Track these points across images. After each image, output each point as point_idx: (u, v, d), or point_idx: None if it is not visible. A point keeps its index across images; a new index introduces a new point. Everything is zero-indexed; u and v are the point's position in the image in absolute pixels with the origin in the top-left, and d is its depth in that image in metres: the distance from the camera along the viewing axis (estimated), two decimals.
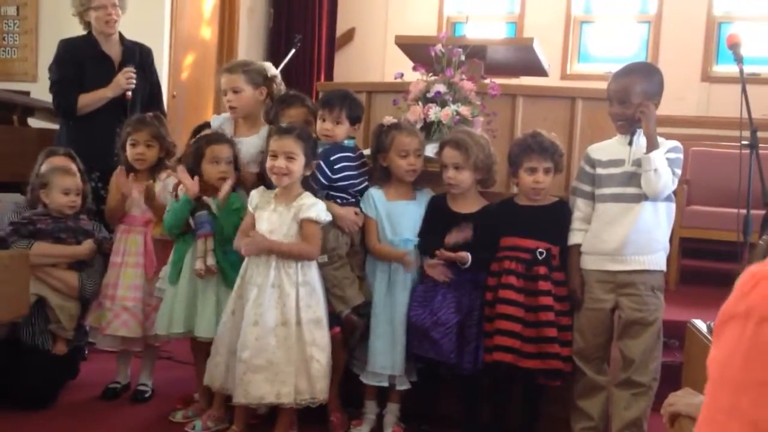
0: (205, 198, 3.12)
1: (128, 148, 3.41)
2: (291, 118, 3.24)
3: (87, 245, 3.32)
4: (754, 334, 0.73)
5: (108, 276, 3.38)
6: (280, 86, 3.48)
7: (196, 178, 3.10)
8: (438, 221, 3.02)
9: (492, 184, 3.10)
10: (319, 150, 3.05)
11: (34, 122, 5.07)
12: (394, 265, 3.06)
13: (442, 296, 2.93)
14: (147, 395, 3.41)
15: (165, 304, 3.17)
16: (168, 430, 3.07)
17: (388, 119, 3.17)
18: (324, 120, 3.13)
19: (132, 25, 4.59)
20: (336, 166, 3.07)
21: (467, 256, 2.90)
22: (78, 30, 4.16)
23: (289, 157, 2.84)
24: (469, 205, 3.04)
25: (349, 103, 3.15)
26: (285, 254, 2.83)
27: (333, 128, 3.11)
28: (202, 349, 3.16)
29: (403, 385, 3.06)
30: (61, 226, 3.29)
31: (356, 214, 3.07)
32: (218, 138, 3.19)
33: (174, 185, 3.21)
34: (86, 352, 3.79)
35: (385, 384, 3.07)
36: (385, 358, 3.02)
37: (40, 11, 6.23)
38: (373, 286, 3.09)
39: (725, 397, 0.76)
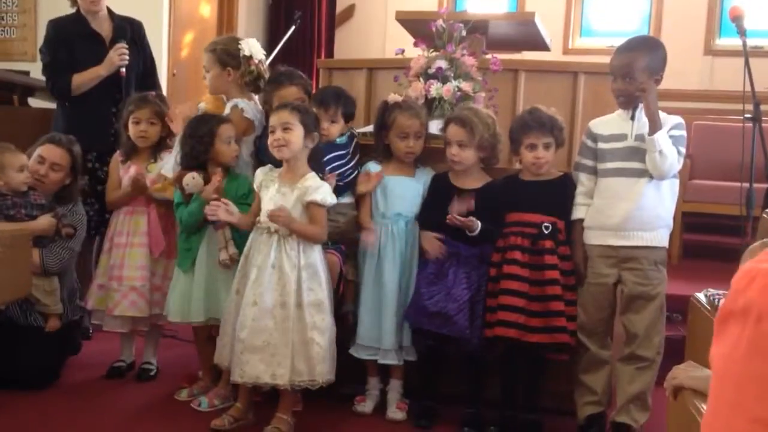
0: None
1: (131, 126, 3.40)
2: (282, 99, 3.18)
3: (44, 220, 3.23)
4: (753, 331, 0.74)
5: (113, 257, 3.38)
6: (258, 65, 3.38)
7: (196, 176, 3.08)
8: (441, 198, 3.01)
9: (495, 163, 3.10)
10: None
11: (34, 102, 5.04)
12: (384, 240, 3.07)
13: (453, 273, 2.94)
14: (152, 373, 3.42)
15: (178, 290, 3.17)
16: (174, 407, 3.08)
17: (393, 97, 3.16)
18: (319, 119, 3.12)
19: (131, 4, 4.56)
20: (328, 168, 3.06)
21: (476, 222, 2.90)
22: None
23: (286, 128, 2.81)
24: (473, 181, 3.04)
25: (344, 101, 3.17)
26: (297, 232, 2.82)
27: (329, 127, 3.13)
28: (203, 329, 3.18)
29: (387, 360, 3.07)
30: (7, 203, 3.20)
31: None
32: (221, 119, 3.18)
33: (177, 177, 3.15)
34: (90, 332, 3.80)
35: (375, 358, 3.09)
36: (372, 331, 3.05)
37: None
38: (363, 260, 3.11)
39: (729, 392, 0.77)
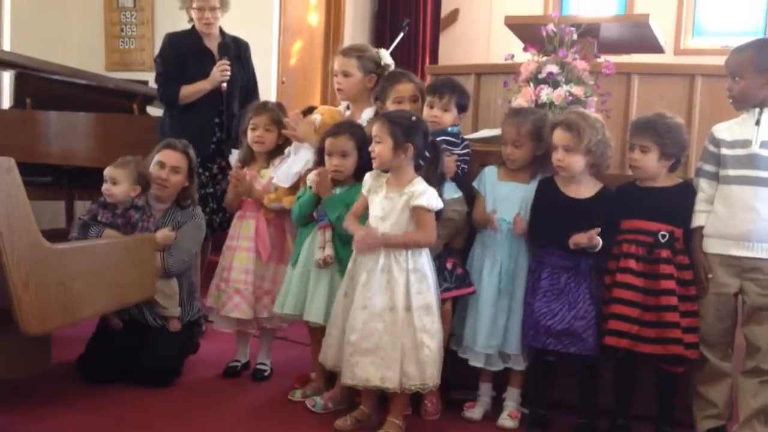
0: None
1: (249, 132, 3.54)
2: (399, 93, 3.28)
3: (161, 234, 3.37)
4: None
5: (223, 259, 3.53)
6: None
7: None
8: (548, 206, 2.96)
9: (605, 169, 2.99)
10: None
11: (153, 111, 5.27)
12: (485, 243, 3.08)
13: (574, 288, 2.89)
14: (266, 374, 3.51)
15: (284, 284, 3.28)
16: (288, 407, 3.15)
17: (517, 103, 3.17)
18: (432, 107, 3.17)
19: (242, 13, 4.76)
20: None
21: (599, 239, 2.84)
22: None
23: (376, 141, 2.88)
24: (584, 189, 2.97)
25: (458, 92, 3.19)
26: (400, 246, 2.84)
27: (441, 115, 3.16)
28: (317, 331, 3.22)
29: (492, 366, 3.08)
30: (116, 214, 3.33)
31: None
32: (335, 131, 3.15)
33: (305, 173, 3.26)
34: (203, 329, 3.94)
35: (480, 365, 3.09)
36: (487, 337, 3.04)
37: (156, 2, 6.49)
38: (482, 264, 3.09)
39: None
